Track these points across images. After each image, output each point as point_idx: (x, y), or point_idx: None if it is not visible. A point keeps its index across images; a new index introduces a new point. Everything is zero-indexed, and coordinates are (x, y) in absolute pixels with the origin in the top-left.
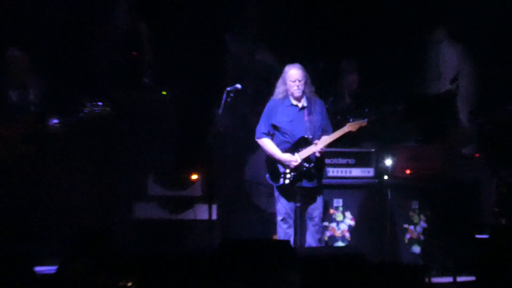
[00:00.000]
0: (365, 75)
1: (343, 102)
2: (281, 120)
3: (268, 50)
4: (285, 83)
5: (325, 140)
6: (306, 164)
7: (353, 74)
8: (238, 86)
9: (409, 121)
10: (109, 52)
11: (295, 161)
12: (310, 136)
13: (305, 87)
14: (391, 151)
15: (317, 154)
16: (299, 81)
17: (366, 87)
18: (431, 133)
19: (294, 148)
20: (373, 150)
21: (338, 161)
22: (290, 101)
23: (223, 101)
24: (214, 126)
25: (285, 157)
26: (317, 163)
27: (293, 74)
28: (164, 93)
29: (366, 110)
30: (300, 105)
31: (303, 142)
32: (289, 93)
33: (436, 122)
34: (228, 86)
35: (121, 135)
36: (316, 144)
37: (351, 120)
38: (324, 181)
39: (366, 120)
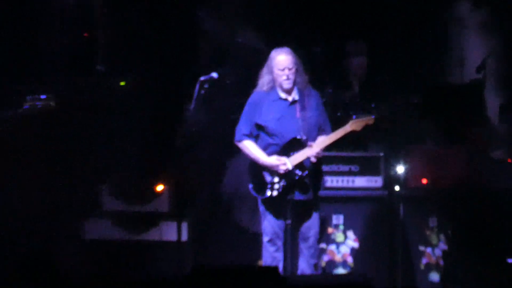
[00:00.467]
0: (372, 61)
1: (344, 95)
2: (267, 118)
3: (253, 30)
4: (271, 72)
5: (323, 141)
6: (298, 172)
7: (358, 60)
8: (215, 75)
9: (426, 118)
10: (54, 33)
11: (284, 165)
12: (304, 137)
13: (296, 76)
14: (403, 155)
15: (313, 159)
16: (289, 69)
17: (373, 75)
18: (453, 132)
19: (283, 152)
20: (381, 154)
21: (338, 168)
22: (278, 94)
23: (195, 94)
24: (185, 124)
25: (271, 160)
26: (313, 171)
27: (281, 61)
28: (122, 83)
29: (373, 105)
30: (290, 98)
31: (295, 145)
32: (277, 84)
33: (459, 119)
34: (202, 75)
35: (69, 135)
36: (311, 146)
37: (354, 116)
38: (321, 192)
39: (373, 116)
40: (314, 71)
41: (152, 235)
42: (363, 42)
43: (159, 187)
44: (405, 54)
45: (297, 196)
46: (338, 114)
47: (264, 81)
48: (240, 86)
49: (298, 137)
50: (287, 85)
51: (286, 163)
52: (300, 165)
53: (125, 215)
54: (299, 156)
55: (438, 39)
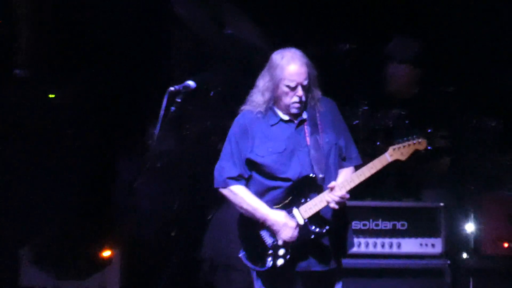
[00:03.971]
0: (427, 66)
1: (386, 115)
2: (263, 151)
3: (249, 18)
4: (275, 87)
5: (350, 180)
6: (314, 229)
7: (401, 70)
8: (191, 83)
9: (508, 151)
10: None
11: (293, 228)
12: (320, 175)
13: (307, 94)
14: (475, 206)
15: (334, 206)
16: (303, 87)
17: (429, 87)
18: None
19: (291, 198)
20: (441, 204)
21: (377, 224)
22: (278, 116)
23: (162, 111)
24: (146, 156)
25: (277, 217)
26: (336, 226)
27: (293, 75)
28: (52, 95)
29: (430, 130)
30: (296, 119)
31: (308, 187)
32: (280, 104)
33: None
34: (173, 84)
35: None
36: (332, 189)
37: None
38: (350, 262)
39: (424, 139)
40: (340, 79)
41: None
42: (414, 42)
43: (106, 253)
44: (477, 58)
45: (314, 265)
46: (378, 143)
47: (259, 99)
48: (229, 99)
49: (312, 175)
50: (295, 110)
51: (296, 223)
52: (316, 218)
53: None
54: (314, 204)
55: None
